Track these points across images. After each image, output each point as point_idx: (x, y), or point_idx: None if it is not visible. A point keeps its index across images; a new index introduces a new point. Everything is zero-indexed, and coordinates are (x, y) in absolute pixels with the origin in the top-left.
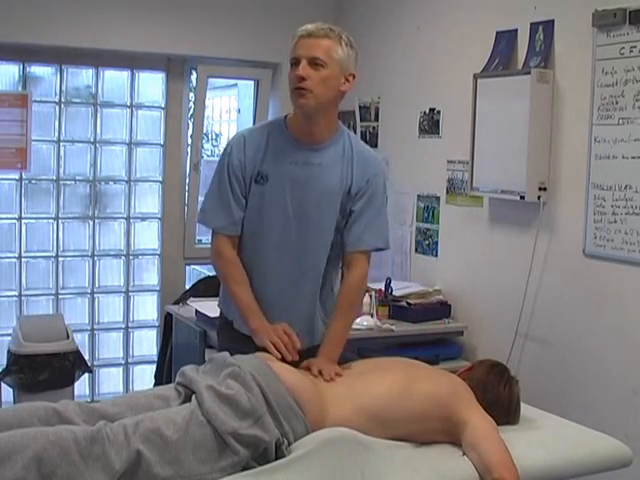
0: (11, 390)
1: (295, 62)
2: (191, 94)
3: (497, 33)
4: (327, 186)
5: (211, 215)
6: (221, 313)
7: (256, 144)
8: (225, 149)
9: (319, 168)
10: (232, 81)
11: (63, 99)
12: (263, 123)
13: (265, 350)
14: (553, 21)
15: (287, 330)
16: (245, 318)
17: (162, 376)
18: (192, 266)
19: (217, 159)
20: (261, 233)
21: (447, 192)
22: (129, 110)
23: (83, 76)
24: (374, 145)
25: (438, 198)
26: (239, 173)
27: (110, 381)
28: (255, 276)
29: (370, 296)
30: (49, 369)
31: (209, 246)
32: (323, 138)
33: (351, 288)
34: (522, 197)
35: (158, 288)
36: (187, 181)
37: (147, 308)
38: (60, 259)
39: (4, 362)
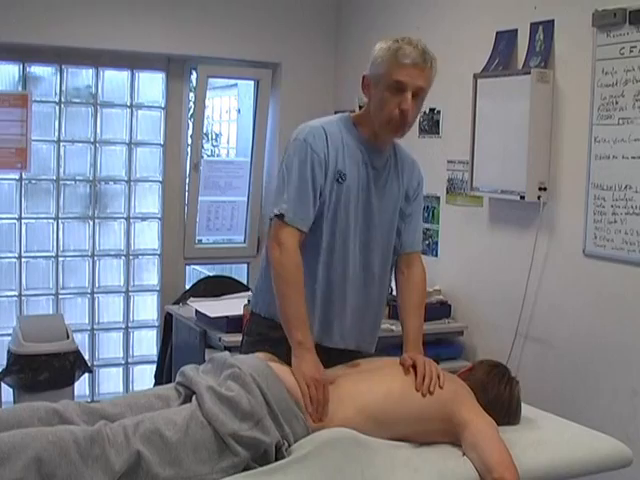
0: (11, 390)
1: (399, 88)
2: (191, 94)
3: (497, 33)
4: (390, 190)
5: (294, 210)
6: (253, 313)
7: (336, 139)
8: (304, 138)
9: (383, 171)
10: (232, 81)
11: (63, 99)
12: (330, 118)
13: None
14: (553, 21)
15: (326, 385)
16: (292, 327)
17: (162, 376)
18: (192, 266)
19: (217, 159)
20: (331, 235)
21: (447, 192)
22: (129, 110)
23: (83, 76)
24: None
25: (438, 198)
26: (323, 166)
27: (110, 381)
28: (321, 280)
29: None
30: (49, 369)
31: (209, 246)
32: (388, 145)
33: (419, 285)
34: (522, 197)
35: (158, 288)
36: (187, 181)
37: (147, 308)
38: (60, 259)
39: (4, 362)
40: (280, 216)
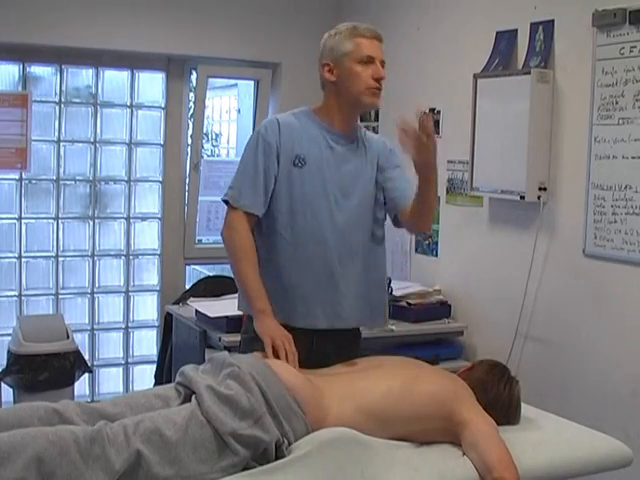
0: (11, 390)
1: (369, 61)
2: (191, 94)
3: (497, 33)
4: (361, 166)
5: (239, 193)
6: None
7: (290, 127)
8: (258, 130)
9: (350, 149)
10: (232, 81)
11: (63, 99)
12: (290, 112)
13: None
14: (553, 21)
15: (289, 338)
16: (250, 299)
17: (162, 376)
18: (192, 266)
19: (217, 159)
20: (305, 216)
21: (447, 192)
22: (129, 110)
23: (83, 76)
24: None
25: (438, 198)
26: (274, 153)
27: (110, 381)
28: (299, 262)
29: None
30: (49, 369)
31: (209, 246)
32: (351, 128)
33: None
34: (522, 197)
35: (158, 288)
36: (187, 181)
37: (147, 308)
38: (60, 259)
39: (4, 362)
40: (226, 202)
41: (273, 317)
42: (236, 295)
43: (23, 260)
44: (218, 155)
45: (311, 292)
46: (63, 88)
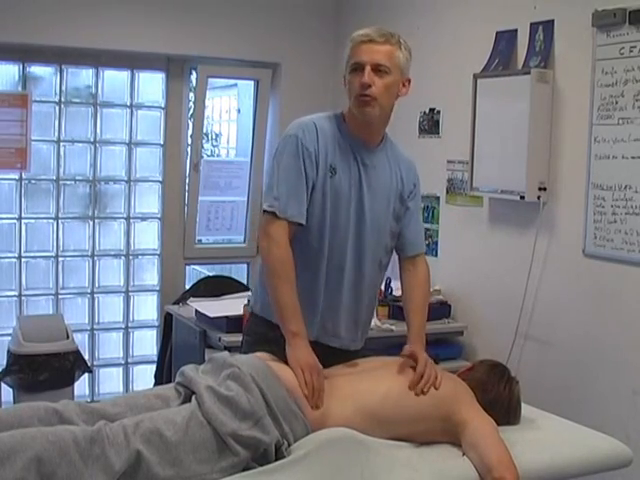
0: (11, 390)
1: (357, 67)
2: (191, 94)
3: (497, 33)
4: (382, 189)
5: (286, 203)
6: (252, 313)
7: (325, 133)
8: (294, 134)
9: (374, 170)
10: (232, 81)
11: (63, 99)
12: (323, 114)
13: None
14: (553, 21)
15: (318, 370)
16: (285, 319)
17: (162, 376)
18: (192, 266)
19: (217, 159)
20: (325, 230)
21: (447, 192)
22: (129, 110)
23: (83, 76)
24: None
25: (438, 198)
26: (313, 160)
27: (110, 381)
28: (311, 273)
29: None
30: (49, 369)
31: (209, 246)
32: (377, 141)
33: (423, 284)
34: (522, 197)
35: (158, 288)
36: (187, 181)
37: (147, 308)
38: (60, 259)
39: (4, 362)
40: (270, 212)
41: (307, 341)
42: (236, 295)
43: (23, 260)
44: (218, 155)
45: (315, 306)
46: (63, 88)
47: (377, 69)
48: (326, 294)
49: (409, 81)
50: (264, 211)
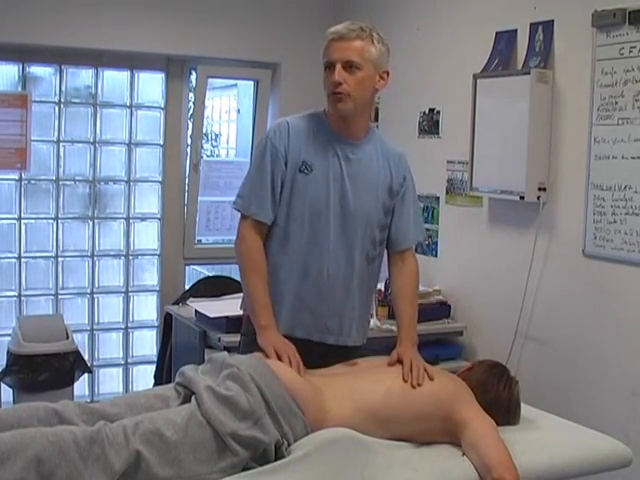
0: (11, 390)
1: (329, 66)
2: (191, 94)
3: (497, 33)
4: (368, 182)
5: (249, 201)
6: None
7: (300, 131)
8: (267, 134)
9: (358, 164)
10: (232, 81)
11: (63, 99)
12: (303, 113)
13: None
14: (553, 21)
15: (292, 348)
16: (255, 313)
17: (162, 376)
18: (192, 266)
19: (217, 159)
20: (303, 225)
21: (447, 192)
22: (129, 110)
23: (83, 76)
24: None
25: (438, 198)
26: (281, 159)
27: (110, 381)
28: (295, 270)
29: None
30: (49, 369)
31: (209, 246)
32: (360, 135)
33: (412, 277)
34: (522, 197)
35: (158, 288)
36: (187, 181)
37: (147, 308)
38: (60, 259)
39: (4, 362)
40: (237, 210)
41: (276, 331)
42: (236, 295)
43: (23, 260)
44: (218, 155)
45: (300, 301)
46: (63, 88)
47: (348, 66)
48: (313, 286)
49: (387, 73)
50: (233, 209)
